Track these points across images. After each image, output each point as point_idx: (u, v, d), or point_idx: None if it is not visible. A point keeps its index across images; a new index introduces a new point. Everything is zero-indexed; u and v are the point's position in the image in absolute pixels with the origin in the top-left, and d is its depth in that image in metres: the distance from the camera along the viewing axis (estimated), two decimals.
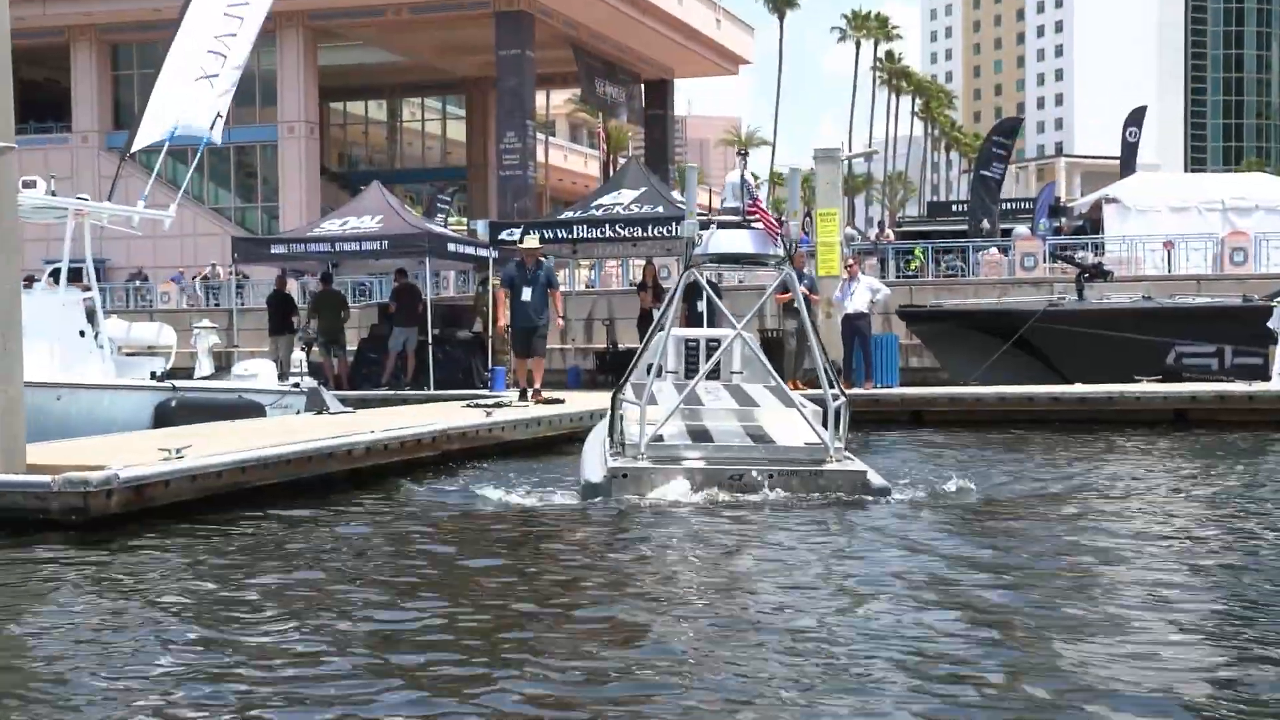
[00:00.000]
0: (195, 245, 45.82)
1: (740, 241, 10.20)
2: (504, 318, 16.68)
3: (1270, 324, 16.84)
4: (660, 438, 9.63)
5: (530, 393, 16.48)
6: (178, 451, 9.11)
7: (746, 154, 11.75)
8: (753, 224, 10.25)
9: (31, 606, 6.47)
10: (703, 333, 12.28)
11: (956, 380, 20.16)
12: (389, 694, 4.80)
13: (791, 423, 10.18)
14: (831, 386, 9.70)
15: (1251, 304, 18.68)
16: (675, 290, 10.60)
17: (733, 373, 11.64)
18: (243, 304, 32.78)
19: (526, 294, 16.28)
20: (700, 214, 10.78)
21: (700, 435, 10.01)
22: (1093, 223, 34.23)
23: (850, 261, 19.79)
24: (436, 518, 9.21)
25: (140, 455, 9.12)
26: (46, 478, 8.23)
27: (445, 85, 57.55)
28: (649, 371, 10.38)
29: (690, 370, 11.42)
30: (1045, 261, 29.68)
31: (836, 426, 9.59)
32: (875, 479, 9.42)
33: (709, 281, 20.61)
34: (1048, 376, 18.95)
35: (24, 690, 4.90)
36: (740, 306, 25.27)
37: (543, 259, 17.34)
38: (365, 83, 56.41)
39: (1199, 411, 16.17)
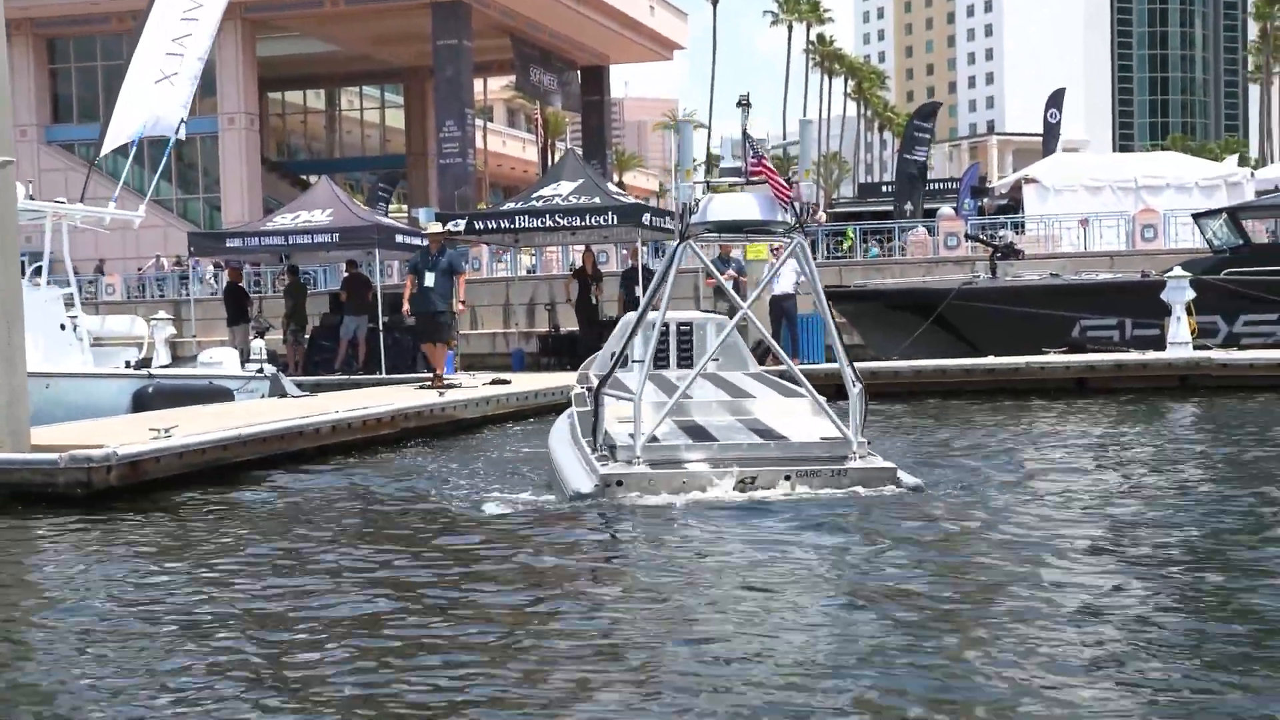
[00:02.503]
0: (138, 237, 46.18)
1: (744, 207, 8.85)
2: (407, 303, 17.08)
3: (1163, 296, 18.17)
4: (654, 438, 8.48)
5: (431, 378, 16.87)
6: (166, 431, 10.14)
7: (749, 104, 10.34)
8: (757, 185, 9.03)
9: (46, 567, 7.49)
10: (674, 316, 10.70)
11: (880, 356, 21.37)
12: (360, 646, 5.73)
13: (795, 415, 9.21)
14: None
15: (1149, 279, 20.02)
16: (668, 262, 9.29)
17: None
18: (188, 295, 33.58)
19: (429, 279, 16.72)
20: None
21: (697, 433, 8.86)
22: (1015, 202, 35.73)
23: (776, 245, 20.97)
24: (419, 511, 8.74)
25: (132, 435, 10.15)
26: (53, 455, 9.24)
27: (383, 74, 58.23)
28: (613, 360, 9.25)
29: (659, 359, 10.19)
30: (967, 241, 31.07)
31: (856, 418, 8.47)
32: (906, 477, 8.40)
33: (644, 267, 21.82)
34: (964, 350, 20.18)
35: (43, 646, 5.64)
36: (677, 289, 26.48)
37: (446, 244, 17.65)
38: (303, 72, 56.97)
39: (1097, 379, 17.49)
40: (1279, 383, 16.43)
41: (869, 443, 8.55)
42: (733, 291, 10.67)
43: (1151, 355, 17.97)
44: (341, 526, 8.42)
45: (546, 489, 9.22)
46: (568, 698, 4.65)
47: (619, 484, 8.16)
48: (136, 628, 5.83)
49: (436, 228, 18.11)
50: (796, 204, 8.87)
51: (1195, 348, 18.08)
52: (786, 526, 7.46)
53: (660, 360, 10.27)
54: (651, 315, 9.24)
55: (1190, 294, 17.99)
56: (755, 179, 9.04)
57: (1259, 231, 23.22)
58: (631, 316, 10.09)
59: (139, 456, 9.63)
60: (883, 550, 6.83)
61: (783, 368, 10.22)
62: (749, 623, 5.46)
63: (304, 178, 57.02)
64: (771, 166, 9.02)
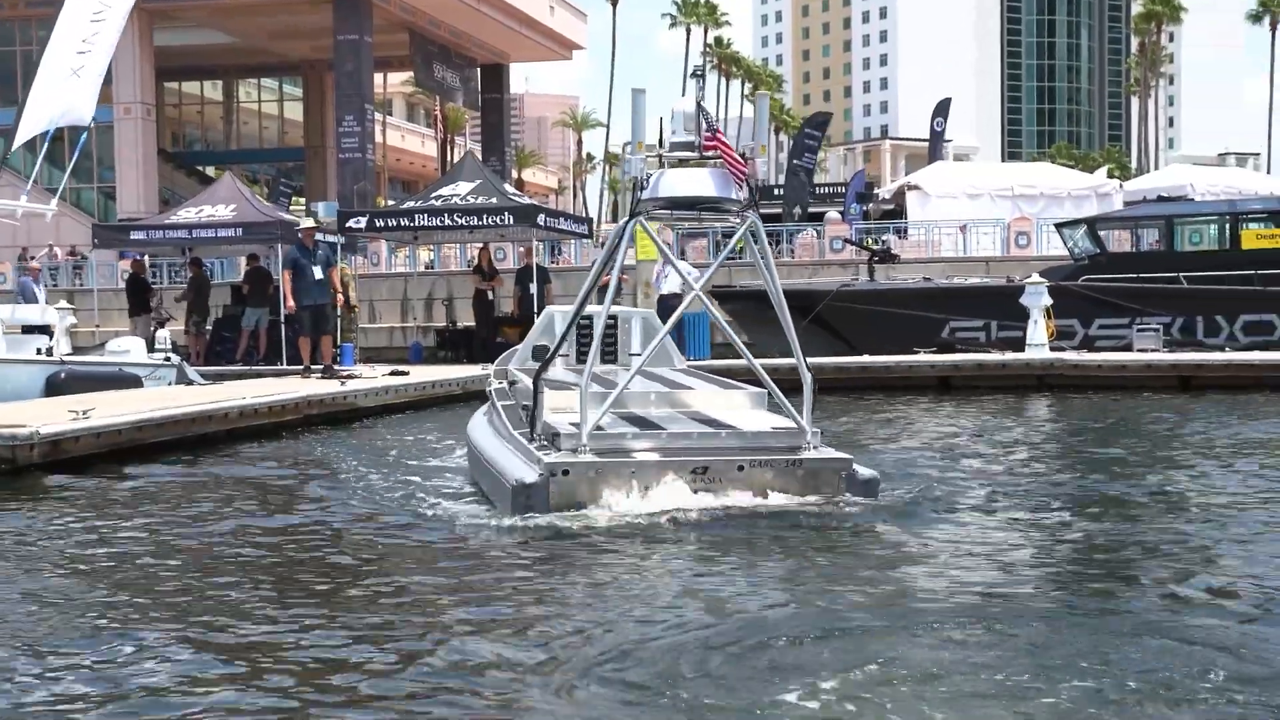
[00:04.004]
0: (29, 227, 45.77)
1: (699, 183, 8.44)
2: (291, 299, 17.78)
3: (1022, 301, 19.48)
4: (598, 426, 8.05)
5: (324, 369, 17.57)
6: (84, 413, 10.82)
7: (702, 75, 9.64)
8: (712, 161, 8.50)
9: None
10: (598, 309, 9.73)
11: (762, 353, 22.42)
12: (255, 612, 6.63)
13: (736, 408, 9.04)
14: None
15: (1012, 284, 21.37)
16: (615, 239, 8.92)
17: (631, 354, 10.00)
18: (82, 285, 33.72)
19: (310, 273, 17.47)
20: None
21: (642, 423, 8.46)
22: (899, 208, 37.13)
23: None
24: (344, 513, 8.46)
25: (53, 417, 10.82)
26: None
27: (282, 67, 58.21)
28: (552, 349, 9.05)
29: (582, 353, 9.93)
30: (850, 245, 32.33)
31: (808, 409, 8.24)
32: (862, 469, 8.28)
33: (539, 266, 22.66)
34: (841, 349, 21.31)
35: None
36: (571, 287, 27.40)
37: (319, 238, 18.29)
38: (201, 63, 56.67)
39: (960, 378, 18.76)
40: (1123, 383, 17.82)
41: (820, 433, 8.31)
42: (685, 276, 10.44)
43: (1011, 356, 19.28)
44: (245, 505, 9.16)
45: (464, 477, 9.61)
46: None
47: (565, 473, 7.75)
48: (50, 594, 6.34)
49: (309, 223, 18.80)
50: (751, 181, 8.43)
51: (1053, 349, 19.41)
52: (741, 532, 7.36)
53: (584, 354, 9.74)
54: (594, 308, 8.88)
55: (1047, 300, 19.31)
56: (709, 154, 8.45)
57: (1121, 240, 24.77)
58: (554, 310, 10.24)
59: (60, 436, 10.34)
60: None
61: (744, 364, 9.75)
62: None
63: (200, 168, 56.88)
64: (727, 142, 8.44)
